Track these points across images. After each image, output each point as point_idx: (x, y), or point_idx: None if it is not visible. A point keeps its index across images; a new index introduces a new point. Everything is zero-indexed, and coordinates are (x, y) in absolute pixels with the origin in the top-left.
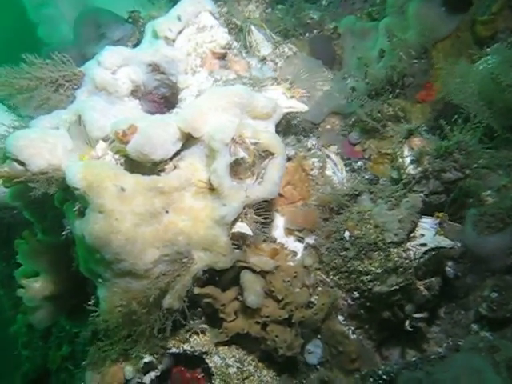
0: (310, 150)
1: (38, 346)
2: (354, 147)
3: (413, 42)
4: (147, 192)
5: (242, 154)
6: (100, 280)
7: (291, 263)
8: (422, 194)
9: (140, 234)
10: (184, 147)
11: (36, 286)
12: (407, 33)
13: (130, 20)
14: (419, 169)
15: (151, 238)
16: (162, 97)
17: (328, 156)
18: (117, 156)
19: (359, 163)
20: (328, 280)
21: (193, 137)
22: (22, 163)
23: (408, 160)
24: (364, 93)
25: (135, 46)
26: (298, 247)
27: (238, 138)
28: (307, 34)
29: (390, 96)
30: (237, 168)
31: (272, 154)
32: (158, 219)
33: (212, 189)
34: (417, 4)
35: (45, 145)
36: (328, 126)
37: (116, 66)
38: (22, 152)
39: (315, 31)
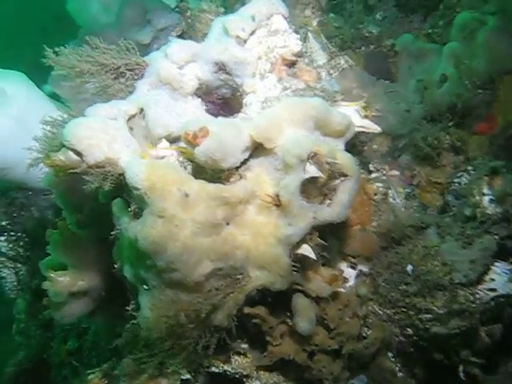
0: (371, 172)
1: (35, 334)
2: (404, 171)
3: (480, 71)
4: (211, 201)
5: (316, 172)
6: (146, 287)
7: (342, 290)
8: (497, 237)
9: (198, 244)
10: (251, 156)
11: (64, 281)
12: (474, 61)
13: (176, 9)
14: (498, 210)
15: (208, 249)
16: (222, 97)
17: (391, 181)
18: (181, 158)
19: (407, 190)
20: (381, 313)
21: (263, 146)
22: (78, 153)
23: (486, 199)
24: (420, 116)
25: (179, 36)
26: (350, 273)
27: (314, 155)
28: (363, 48)
29: (450, 124)
30: (307, 186)
31: (345, 175)
32: (218, 230)
33: (278, 204)
34: (488, 32)
35: (105, 136)
36: (375, 146)
37: (184, 62)
38: (82, 142)
39: (372, 46)
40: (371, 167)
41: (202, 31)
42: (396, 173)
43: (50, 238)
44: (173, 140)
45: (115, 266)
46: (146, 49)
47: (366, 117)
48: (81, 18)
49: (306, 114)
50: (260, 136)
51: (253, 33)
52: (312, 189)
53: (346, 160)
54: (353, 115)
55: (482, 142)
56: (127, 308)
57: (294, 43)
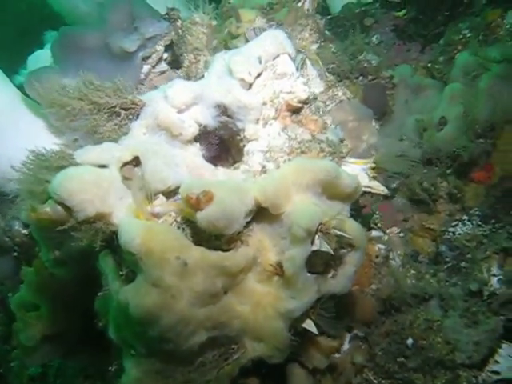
0: (371, 228)
1: None
2: (396, 214)
3: (481, 118)
4: (211, 270)
5: (325, 247)
6: (133, 352)
7: (337, 355)
8: (503, 317)
9: (194, 315)
10: (253, 219)
11: (37, 324)
12: (476, 106)
13: (166, 17)
14: (508, 291)
15: (204, 319)
16: (219, 138)
17: (392, 242)
18: (179, 218)
19: (401, 234)
20: (375, 382)
21: (267, 211)
22: (68, 208)
23: (495, 278)
24: (416, 158)
25: (168, 46)
26: (345, 336)
27: (322, 227)
28: (361, 78)
29: (448, 171)
30: (312, 257)
31: (351, 246)
32: (215, 299)
33: (280, 274)
34: (491, 80)
35: (97, 190)
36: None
37: (184, 106)
38: (73, 197)
39: (370, 76)
40: (371, 222)
41: (192, 44)
42: (397, 230)
43: (25, 277)
44: (170, 193)
45: (98, 321)
46: (130, 56)
47: (374, 178)
48: (59, 5)
49: (315, 178)
50: (266, 201)
51: (258, 75)
52: (317, 260)
53: (354, 232)
54: (360, 174)
55: (479, 192)
56: (109, 367)
57: (300, 89)
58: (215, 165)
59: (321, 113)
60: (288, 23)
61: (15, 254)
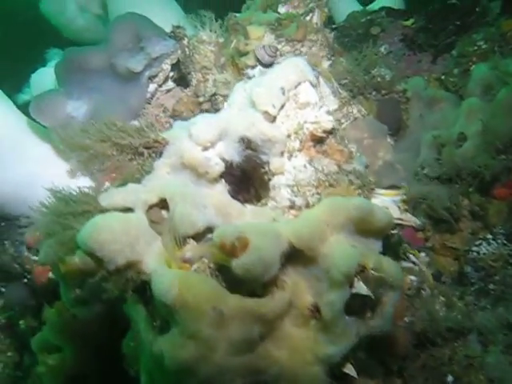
0: (401, 258)
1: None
2: (416, 232)
3: (502, 134)
4: (248, 317)
5: (363, 289)
6: None
7: None
8: None
9: (231, 364)
10: (287, 261)
11: (61, 366)
12: (495, 121)
13: (171, 35)
14: None
15: (241, 368)
16: (243, 171)
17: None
18: (212, 264)
19: (422, 254)
20: None
21: (302, 252)
22: (97, 259)
23: None
24: (435, 175)
25: (174, 65)
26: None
27: (361, 269)
28: (374, 93)
29: (470, 189)
30: (350, 300)
31: (389, 285)
32: (252, 347)
33: (316, 317)
34: (510, 92)
35: (127, 239)
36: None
37: (210, 143)
38: (104, 248)
39: (383, 91)
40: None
41: (200, 63)
42: (424, 256)
43: (47, 319)
44: (199, 235)
45: (127, 366)
46: (137, 76)
47: (405, 210)
48: (56, 19)
49: (349, 216)
50: (301, 244)
51: (282, 107)
52: (354, 301)
53: (392, 271)
54: (391, 206)
55: (502, 209)
56: None
57: (325, 119)
58: (241, 200)
59: (346, 142)
60: (297, 39)
61: (25, 280)
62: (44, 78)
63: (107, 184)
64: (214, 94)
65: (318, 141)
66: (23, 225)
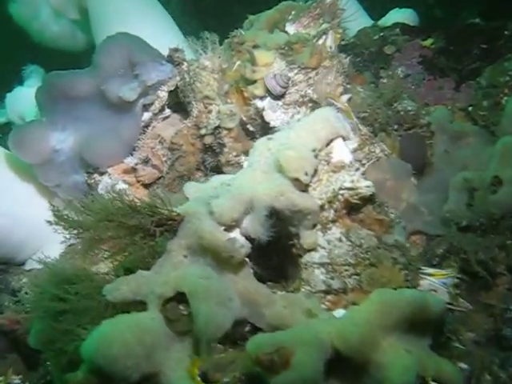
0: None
1: None
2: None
3: None
4: None
5: None
6: None
7: None
8: None
9: None
10: (332, 367)
11: None
12: None
13: (169, 59)
14: None
15: None
16: (270, 247)
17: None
18: (244, 377)
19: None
20: None
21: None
22: (107, 376)
23: None
24: (466, 222)
25: (172, 92)
26: None
27: (420, 380)
28: (396, 127)
29: (508, 242)
30: None
31: None
32: None
33: None
34: None
35: (142, 349)
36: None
37: (234, 222)
38: (115, 364)
39: (406, 125)
40: None
41: (202, 92)
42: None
43: None
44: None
45: None
46: (129, 104)
47: (456, 295)
48: (28, 25)
49: (402, 315)
50: (350, 352)
51: (314, 172)
52: None
53: (452, 376)
54: (440, 290)
55: None
56: None
57: (363, 185)
58: (266, 278)
59: (385, 207)
60: (311, 67)
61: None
62: (21, 98)
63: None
64: (218, 127)
65: (353, 208)
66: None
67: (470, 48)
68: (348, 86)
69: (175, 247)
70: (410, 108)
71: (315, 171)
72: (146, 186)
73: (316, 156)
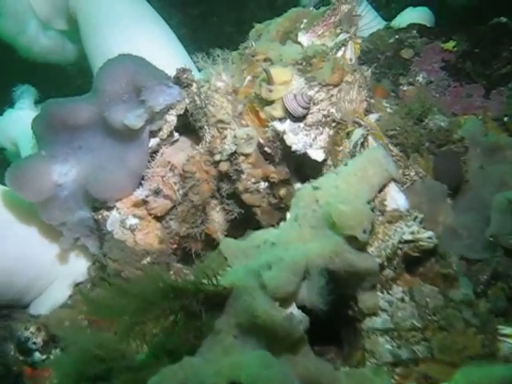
0: None
1: None
2: None
3: None
4: None
5: None
6: None
7: None
8: None
9: None
10: None
11: None
12: None
13: (176, 80)
14: None
15: None
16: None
17: None
18: None
19: None
20: None
21: None
22: None
23: None
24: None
25: (181, 116)
26: None
27: None
28: (428, 144)
29: None
30: None
31: None
32: None
33: None
34: None
35: None
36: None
37: (290, 296)
38: None
39: (438, 142)
40: None
41: (215, 116)
42: None
43: None
44: None
45: None
46: (135, 131)
47: None
48: (15, 40)
49: None
50: None
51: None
52: None
53: None
54: None
55: None
56: None
57: (425, 236)
58: (325, 355)
59: (449, 259)
60: (333, 83)
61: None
62: (13, 122)
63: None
64: (234, 153)
65: (413, 261)
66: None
67: (499, 50)
68: (372, 101)
69: (224, 326)
70: (442, 124)
71: (372, 228)
72: (159, 218)
73: (373, 209)
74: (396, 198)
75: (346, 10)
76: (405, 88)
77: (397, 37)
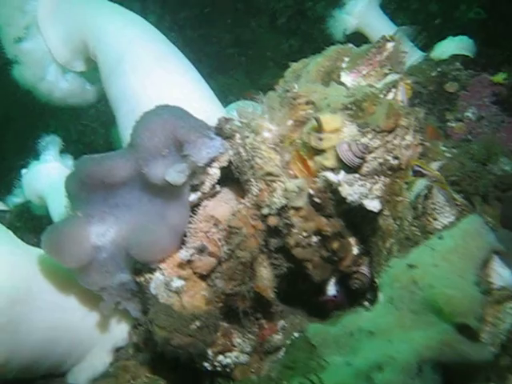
0: None
1: None
2: None
3: None
4: None
5: None
6: None
7: None
8: None
9: None
10: None
11: None
12: None
13: (218, 130)
14: None
15: None
16: None
17: None
18: None
19: None
20: None
21: None
22: None
23: None
24: None
25: (225, 168)
26: None
27: None
28: (492, 189)
29: None
30: None
31: None
32: None
33: None
34: None
35: None
36: None
37: None
38: None
39: (504, 186)
40: None
41: (263, 169)
42: None
43: None
44: None
45: None
46: (177, 188)
47: None
48: (36, 87)
49: None
50: None
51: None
52: None
53: None
54: None
55: None
56: None
57: None
58: None
59: None
60: (388, 129)
61: None
62: (38, 175)
63: None
64: (285, 206)
65: None
66: None
67: None
68: (427, 144)
69: None
70: (507, 168)
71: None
72: (203, 276)
73: (484, 292)
74: (502, 274)
75: (392, 48)
76: (453, 124)
77: (439, 69)
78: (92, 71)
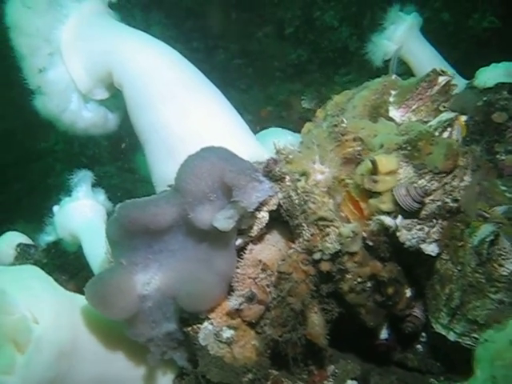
0: None
1: None
2: None
3: None
4: None
5: None
6: None
7: None
8: None
9: None
10: None
11: None
12: None
13: (266, 172)
14: None
15: None
16: None
17: None
18: None
19: None
20: None
21: None
22: None
23: None
24: None
25: (274, 212)
26: None
27: None
28: None
29: None
30: None
31: None
32: None
33: None
34: None
35: None
36: None
37: None
38: None
39: None
40: None
41: (316, 213)
42: None
43: None
44: None
45: None
46: (223, 235)
47: None
48: (60, 119)
49: None
50: None
51: None
52: None
53: None
54: None
55: None
56: None
57: None
58: None
59: None
60: (446, 170)
61: None
62: (71, 213)
63: None
64: (339, 252)
65: None
66: None
67: None
68: (485, 184)
69: None
70: None
71: None
72: (252, 324)
73: None
74: None
75: (443, 82)
76: (503, 157)
77: (485, 99)
78: (112, 99)
